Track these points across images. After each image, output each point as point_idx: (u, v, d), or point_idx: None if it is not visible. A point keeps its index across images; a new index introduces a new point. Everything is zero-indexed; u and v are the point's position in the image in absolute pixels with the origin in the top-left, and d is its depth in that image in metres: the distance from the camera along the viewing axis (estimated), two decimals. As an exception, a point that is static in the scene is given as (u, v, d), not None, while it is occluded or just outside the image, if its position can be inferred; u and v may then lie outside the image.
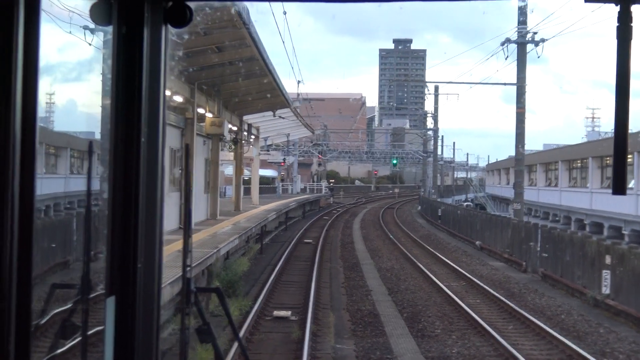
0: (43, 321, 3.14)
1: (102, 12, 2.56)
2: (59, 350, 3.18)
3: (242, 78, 32.84)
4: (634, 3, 2.39)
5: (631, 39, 2.40)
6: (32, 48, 2.16)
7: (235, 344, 16.38)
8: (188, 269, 3.12)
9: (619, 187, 2.46)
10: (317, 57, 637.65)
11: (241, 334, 18.60)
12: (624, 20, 2.40)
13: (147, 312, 2.66)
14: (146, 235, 2.63)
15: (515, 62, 41.86)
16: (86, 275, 3.02)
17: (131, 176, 2.58)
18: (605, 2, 2.43)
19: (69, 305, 3.06)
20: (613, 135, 2.44)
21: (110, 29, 2.59)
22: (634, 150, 40.77)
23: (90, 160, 3.17)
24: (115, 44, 2.57)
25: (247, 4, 21.02)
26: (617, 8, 2.40)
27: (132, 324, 2.60)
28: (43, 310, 3.13)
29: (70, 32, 17.85)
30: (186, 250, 3.05)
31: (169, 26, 2.68)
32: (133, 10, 2.56)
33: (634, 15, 2.39)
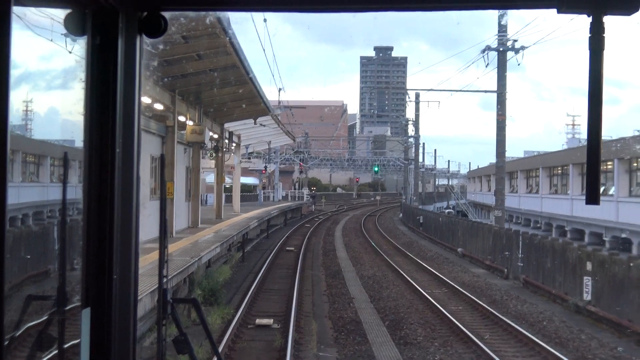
0: (18, 334, 3.08)
1: (76, 23, 2.54)
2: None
3: (222, 86, 32.81)
4: (606, 14, 2.40)
5: (603, 49, 2.41)
6: (3, 56, 2.14)
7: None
8: (165, 279, 3.10)
9: (592, 196, 2.46)
10: (296, 64, 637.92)
11: (223, 342, 18.54)
12: (596, 31, 2.41)
13: (123, 323, 2.63)
14: (122, 246, 2.61)
15: (495, 70, 42.06)
16: (62, 286, 2.99)
17: (106, 186, 2.56)
18: (577, 13, 2.44)
19: (45, 317, 3.04)
20: (586, 144, 2.45)
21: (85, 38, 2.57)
22: (614, 157, 41.01)
23: (66, 170, 3.14)
24: (89, 54, 2.55)
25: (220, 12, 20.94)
26: (589, 19, 2.41)
27: (108, 336, 2.57)
28: (19, 321, 3.10)
29: (52, 40, 17.70)
30: (162, 260, 3.04)
31: (144, 36, 2.66)
32: (107, 20, 2.54)
33: (605, 25, 2.41)
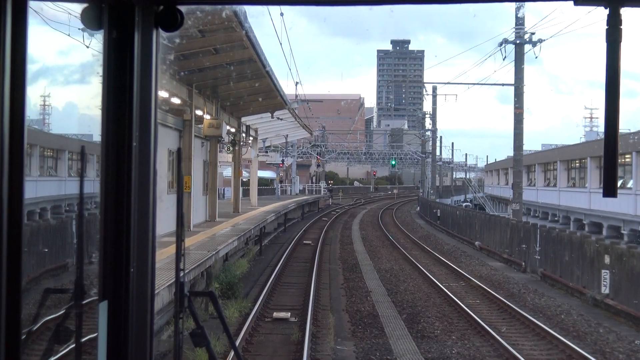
0: (35, 327, 3.10)
1: (93, 17, 2.55)
2: (52, 359, 3.17)
3: (240, 80, 32.81)
4: (623, 5, 2.38)
5: (620, 41, 2.40)
6: (20, 50, 2.15)
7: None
8: (182, 273, 3.11)
9: (609, 189, 2.45)
10: (312, 58, 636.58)
11: (241, 335, 18.58)
12: (613, 23, 2.39)
13: (141, 316, 2.64)
14: (138, 239, 2.62)
15: (512, 63, 41.87)
16: (80, 279, 3.01)
17: (123, 180, 2.57)
18: (594, 5, 2.42)
19: (62, 311, 3.05)
20: (604, 137, 2.44)
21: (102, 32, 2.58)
22: (632, 150, 40.77)
23: (83, 164, 3.15)
24: (106, 48, 2.56)
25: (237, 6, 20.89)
26: (606, 11, 2.40)
27: (125, 329, 2.58)
28: (37, 315, 3.12)
29: (69, 35, 17.76)
30: (179, 254, 3.05)
31: (160, 30, 2.67)
32: (124, 14, 2.55)
33: (622, 17, 2.39)
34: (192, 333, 3.24)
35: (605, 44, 2.41)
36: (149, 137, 2.64)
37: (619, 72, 2.40)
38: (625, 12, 2.39)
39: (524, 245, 35.20)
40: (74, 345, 2.95)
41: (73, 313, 2.98)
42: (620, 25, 2.39)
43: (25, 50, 2.17)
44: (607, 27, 2.40)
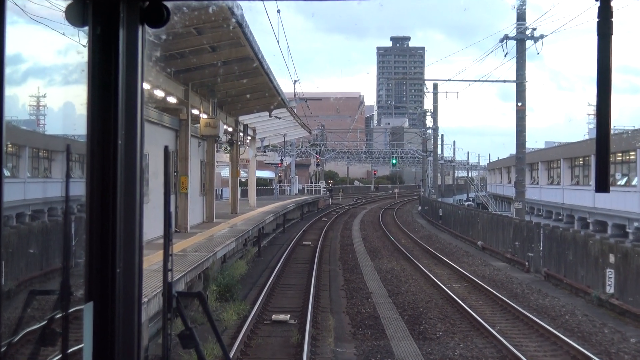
0: (19, 329, 3.07)
1: (77, 13, 2.53)
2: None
3: (237, 78, 32.70)
4: None
5: (611, 34, 2.37)
6: None
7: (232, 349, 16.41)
8: (170, 273, 3.07)
9: (602, 184, 2.42)
10: (310, 56, 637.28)
11: (239, 338, 18.53)
12: (604, 16, 2.36)
13: (127, 317, 2.61)
14: (125, 239, 2.59)
15: (513, 60, 41.78)
16: (66, 281, 2.98)
17: (108, 179, 2.54)
18: None
19: (48, 312, 3.02)
20: (595, 131, 2.40)
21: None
22: (635, 147, 40.78)
23: (68, 163, 3.11)
24: (90, 44, 2.53)
25: (232, 2, 20.70)
26: (597, 3, 2.37)
27: (112, 330, 2.56)
28: (22, 317, 3.08)
29: (64, 34, 17.79)
30: (167, 254, 3.01)
31: (146, 26, 2.64)
32: (108, 10, 2.53)
33: (614, 10, 2.35)
34: (181, 335, 3.20)
35: (596, 38, 2.38)
36: (135, 135, 2.61)
37: (610, 67, 2.37)
38: (622, 6, 2.36)
39: (520, 244, 35.12)
40: (59, 347, 2.92)
41: (59, 314, 2.95)
42: (612, 17, 2.36)
43: (3, 48, 2.14)
44: (597, 20, 2.37)
